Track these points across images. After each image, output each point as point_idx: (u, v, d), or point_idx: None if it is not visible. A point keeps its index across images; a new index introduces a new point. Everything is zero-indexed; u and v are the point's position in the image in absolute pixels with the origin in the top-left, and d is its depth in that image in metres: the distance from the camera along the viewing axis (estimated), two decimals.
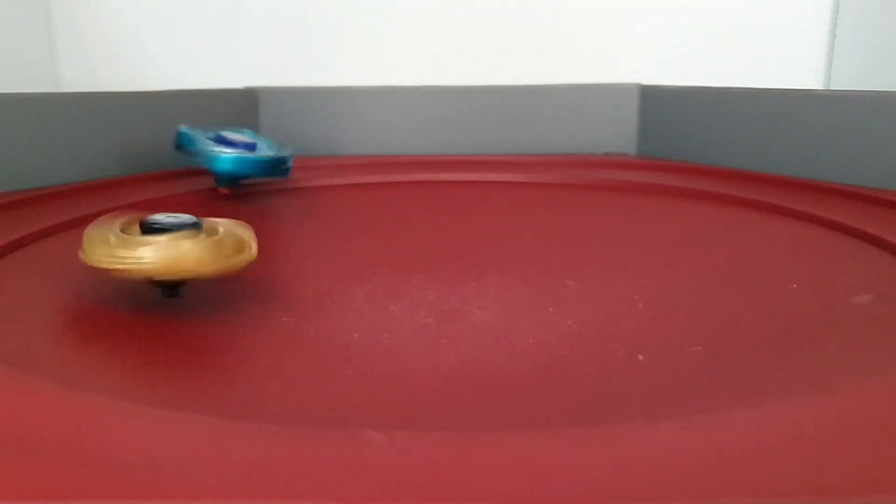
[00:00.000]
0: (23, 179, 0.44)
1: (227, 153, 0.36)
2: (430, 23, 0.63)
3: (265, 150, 0.39)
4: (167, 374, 0.20)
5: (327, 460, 0.13)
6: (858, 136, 0.45)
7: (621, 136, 0.61)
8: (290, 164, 0.38)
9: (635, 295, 0.27)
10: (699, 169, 0.52)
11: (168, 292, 0.22)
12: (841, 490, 0.12)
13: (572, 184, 0.50)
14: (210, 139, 0.38)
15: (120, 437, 0.14)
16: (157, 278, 0.21)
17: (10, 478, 0.12)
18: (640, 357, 0.21)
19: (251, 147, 0.38)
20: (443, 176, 0.51)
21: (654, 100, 0.59)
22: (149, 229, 0.22)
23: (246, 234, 0.23)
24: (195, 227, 0.22)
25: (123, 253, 0.20)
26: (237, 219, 0.25)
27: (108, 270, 0.21)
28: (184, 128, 0.38)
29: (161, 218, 0.22)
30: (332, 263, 0.33)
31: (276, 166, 0.37)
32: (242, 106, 0.60)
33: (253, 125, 0.60)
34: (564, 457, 0.13)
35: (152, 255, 0.20)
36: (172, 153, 0.48)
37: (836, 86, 0.60)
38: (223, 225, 0.23)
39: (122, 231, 0.22)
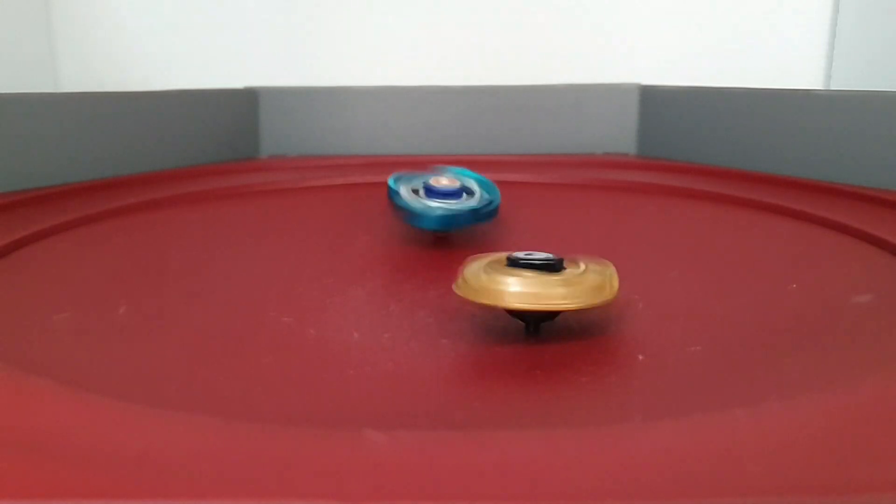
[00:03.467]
0: (23, 179, 0.44)
1: (431, 209, 0.33)
2: (430, 23, 0.63)
3: (473, 191, 0.36)
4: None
5: (327, 460, 0.13)
6: (858, 136, 0.45)
7: (621, 136, 0.61)
8: (497, 204, 0.35)
9: (635, 295, 0.27)
10: (699, 169, 0.52)
11: (531, 329, 0.23)
12: (841, 490, 0.12)
13: (572, 184, 0.50)
14: (417, 188, 0.35)
15: (120, 437, 0.14)
16: (521, 309, 0.22)
17: (10, 478, 0.12)
18: (640, 357, 0.21)
19: (456, 194, 0.35)
20: None
21: (654, 100, 0.59)
22: (515, 265, 0.23)
23: (607, 271, 0.23)
24: (558, 264, 0.23)
25: (494, 287, 0.22)
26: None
27: (480, 304, 0.22)
28: (392, 179, 0.35)
29: (524, 256, 0.23)
30: (333, 263, 0.33)
31: (483, 213, 0.35)
32: (242, 106, 0.60)
33: (253, 125, 0.60)
34: (564, 457, 0.13)
35: (518, 289, 0.22)
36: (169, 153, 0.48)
37: (836, 86, 0.60)
38: (584, 262, 0.24)
39: (491, 267, 0.23)
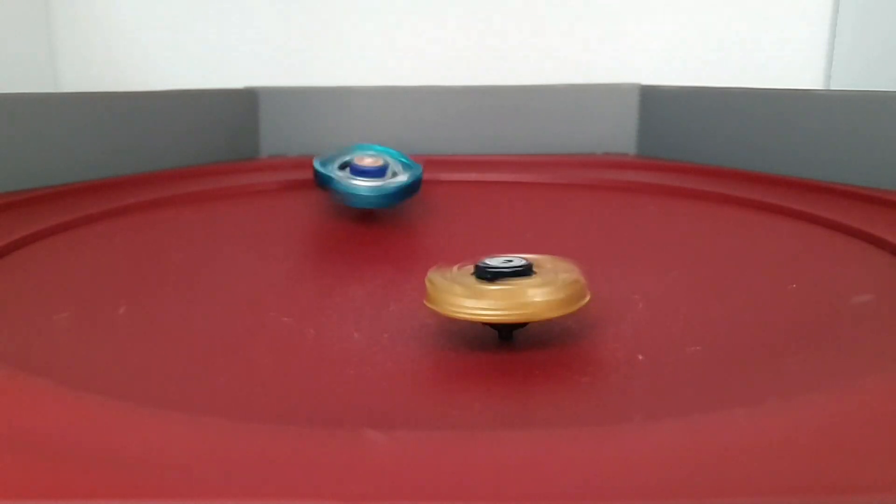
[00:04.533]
0: (23, 179, 0.44)
1: (361, 187, 0.34)
2: (430, 23, 0.63)
3: (396, 168, 0.38)
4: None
5: (327, 460, 0.13)
6: (858, 136, 0.45)
7: (621, 136, 0.61)
8: (420, 179, 0.36)
9: (635, 295, 0.27)
10: (699, 169, 0.52)
11: (504, 335, 0.23)
12: (841, 490, 0.12)
13: (572, 184, 0.50)
14: (342, 165, 0.37)
15: (120, 437, 0.14)
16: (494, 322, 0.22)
17: (9, 478, 0.12)
18: (640, 357, 0.21)
19: (381, 172, 0.36)
20: (443, 176, 0.51)
21: (654, 100, 0.59)
22: (484, 274, 0.22)
23: (576, 274, 0.23)
24: (528, 269, 0.23)
25: (470, 303, 0.21)
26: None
27: (456, 319, 0.22)
28: (317, 162, 0.37)
29: (493, 262, 0.23)
30: (333, 263, 0.33)
31: (410, 190, 0.36)
32: (242, 106, 0.60)
33: (253, 125, 0.60)
34: (564, 456, 0.13)
35: (498, 304, 0.21)
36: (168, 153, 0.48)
37: (836, 86, 0.60)
38: (551, 263, 0.23)
39: (461, 278, 0.23)
